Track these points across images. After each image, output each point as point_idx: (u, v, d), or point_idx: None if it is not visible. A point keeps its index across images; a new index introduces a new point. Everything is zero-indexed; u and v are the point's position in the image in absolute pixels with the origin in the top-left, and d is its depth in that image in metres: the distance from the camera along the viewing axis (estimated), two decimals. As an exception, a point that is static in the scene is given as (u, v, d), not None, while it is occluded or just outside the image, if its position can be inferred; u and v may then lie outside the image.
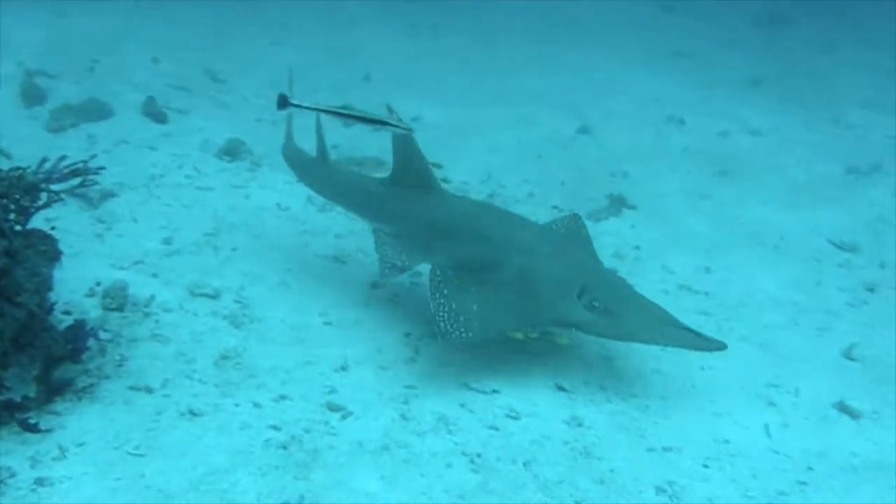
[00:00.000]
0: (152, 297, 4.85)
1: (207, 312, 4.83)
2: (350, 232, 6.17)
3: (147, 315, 4.68)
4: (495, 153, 8.09)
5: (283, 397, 4.12)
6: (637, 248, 6.39)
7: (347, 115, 4.66)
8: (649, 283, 5.55)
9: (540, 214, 6.27)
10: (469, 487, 3.58)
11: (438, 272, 4.45)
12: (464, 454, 3.81)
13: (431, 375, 4.46)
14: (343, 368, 4.45)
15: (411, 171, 4.86)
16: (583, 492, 3.60)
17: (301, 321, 4.91)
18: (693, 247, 6.55)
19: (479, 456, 3.80)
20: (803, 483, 3.79)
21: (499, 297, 4.30)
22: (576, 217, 5.27)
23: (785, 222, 7.16)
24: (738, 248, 6.58)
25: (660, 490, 3.65)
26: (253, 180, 6.92)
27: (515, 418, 4.12)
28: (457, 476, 3.65)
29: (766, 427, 4.19)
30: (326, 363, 4.49)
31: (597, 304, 4.19)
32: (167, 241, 5.63)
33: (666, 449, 3.96)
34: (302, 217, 6.43)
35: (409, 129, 4.54)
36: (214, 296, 4.99)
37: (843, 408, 4.44)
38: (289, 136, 5.78)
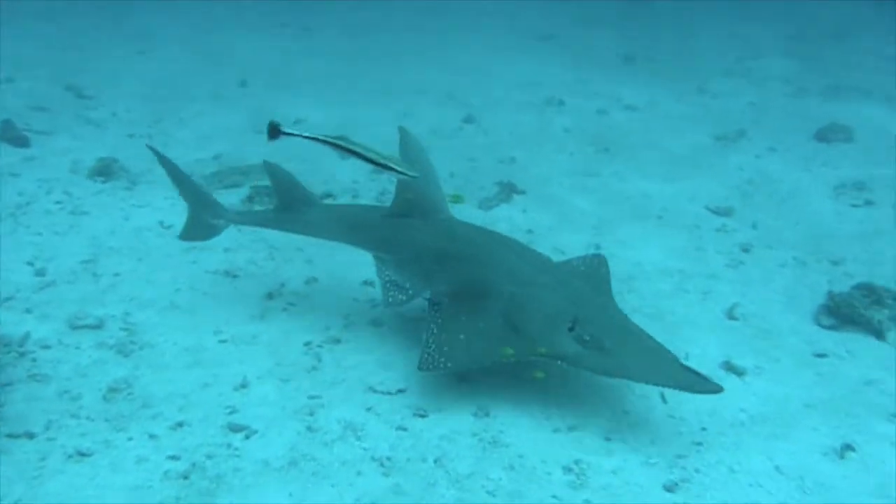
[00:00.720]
0: (27, 335, 4.55)
1: (91, 344, 4.57)
2: (240, 245, 6.00)
3: (22, 355, 4.38)
4: (382, 149, 8.04)
5: (180, 424, 3.95)
6: (530, 231, 6.51)
7: (348, 150, 4.14)
8: (542, 266, 5.67)
9: (431, 208, 6.28)
10: (381, 492, 3.55)
11: (436, 301, 4.37)
12: (373, 459, 3.77)
13: (335, 383, 4.39)
14: (243, 386, 4.32)
15: (420, 198, 4.66)
16: (494, 481, 3.64)
17: (195, 342, 4.73)
18: (582, 225, 6.74)
19: (388, 459, 3.78)
20: (698, 443, 3.98)
21: (487, 327, 4.19)
22: (598, 256, 5.17)
23: (665, 193, 7.48)
24: (624, 223, 6.82)
25: (567, 469, 3.74)
26: (131, 199, 6.62)
27: (423, 416, 4.12)
28: (368, 482, 3.62)
29: (662, 394, 4.35)
30: (225, 383, 4.34)
31: (588, 337, 4.03)
32: (40, 273, 5.30)
33: (571, 428, 4.05)
34: (187, 233, 6.18)
35: (415, 175, 4.19)
36: (98, 326, 4.74)
37: (729, 367, 4.68)
38: (207, 202, 5.19)
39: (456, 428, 4.04)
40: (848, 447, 3.95)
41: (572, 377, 4.51)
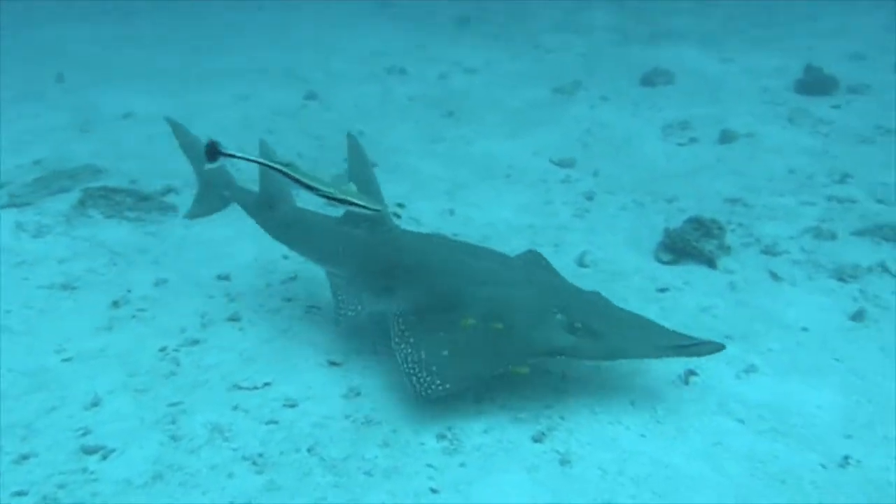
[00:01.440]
0: None
1: None
2: (75, 254, 5.62)
3: None
4: (221, 136, 7.66)
5: (25, 457, 3.67)
6: (384, 204, 6.48)
7: (305, 185, 3.82)
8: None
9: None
10: (255, 491, 3.47)
11: (401, 320, 4.05)
12: (244, 458, 3.67)
13: (196, 385, 4.22)
14: (94, 404, 4.07)
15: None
16: (370, 461, 3.65)
17: (35, 365, 4.39)
18: (435, 192, 6.81)
19: (260, 456, 3.69)
20: (562, 391, 4.14)
21: (472, 338, 3.91)
22: (532, 251, 5.06)
23: (511, 151, 7.68)
24: (474, 185, 6.95)
25: (440, 437, 3.79)
26: (-59, 218, 5.99)
27: (293, 406, 4.05)
28: (241, 483, 3.52)
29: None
30: (74, 403, 4.07)
31: (578, 325, 3.90)
32: None
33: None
34: (13, 247, 5.71)
35: (379, 210, 3.94)
36: (-86, 364, 4.29)
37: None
38: (222, 173, 5.06)
39: (327, 413, 4.00)
40: (691, 373, 4.27)
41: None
